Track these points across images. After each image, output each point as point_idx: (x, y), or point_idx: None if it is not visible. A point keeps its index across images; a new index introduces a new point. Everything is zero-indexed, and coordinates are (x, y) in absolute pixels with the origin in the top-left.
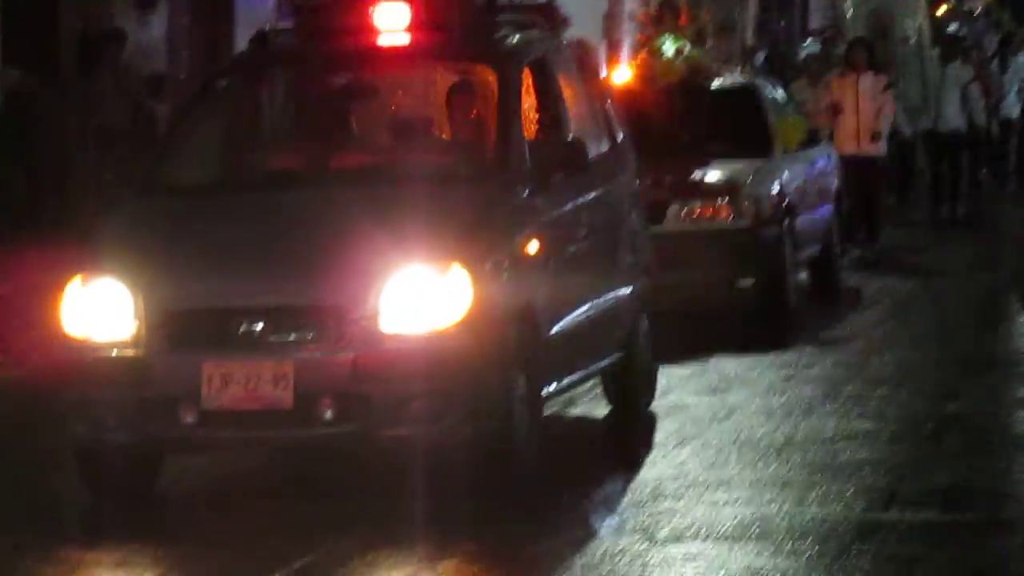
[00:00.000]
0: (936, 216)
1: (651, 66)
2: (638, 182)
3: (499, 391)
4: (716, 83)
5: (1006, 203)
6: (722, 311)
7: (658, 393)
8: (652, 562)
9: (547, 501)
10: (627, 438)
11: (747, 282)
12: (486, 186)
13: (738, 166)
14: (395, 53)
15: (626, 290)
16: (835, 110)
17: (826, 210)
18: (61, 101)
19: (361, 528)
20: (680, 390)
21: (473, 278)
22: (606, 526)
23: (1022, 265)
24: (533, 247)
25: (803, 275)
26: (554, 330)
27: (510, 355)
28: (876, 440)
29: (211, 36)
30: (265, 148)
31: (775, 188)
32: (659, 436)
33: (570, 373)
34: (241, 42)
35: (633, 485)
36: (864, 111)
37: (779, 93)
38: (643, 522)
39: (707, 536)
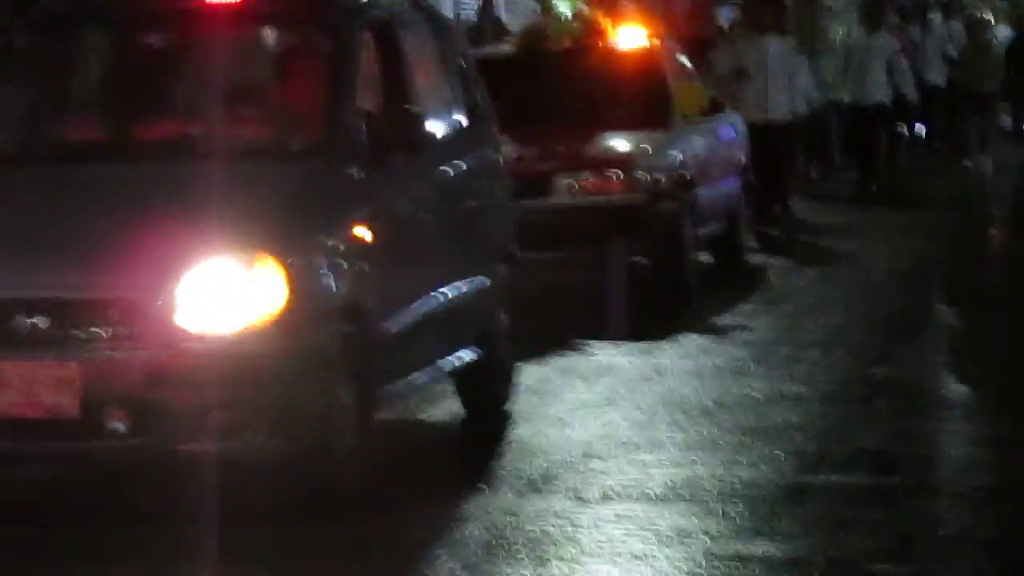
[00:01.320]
0: (858, 189)
1: (545, 28)
2: (501, 159)
3: (317, 400)
4: (613, 47)
5: (926, 175)
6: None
7: (587, 353)
8: (581, 522)
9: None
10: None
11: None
12: (311, 164)
13: (633, 135)
14: (218, 11)
15: (483, 280)
16: (740, 75)
17: (731, 184)
18: None
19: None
20: (608, 350)
21: (287, 270)
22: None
23: (948, 246)
24: (364, 233)
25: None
26: (390, 328)
27: (332, 358)
28: (805, 403)
29: None
30: (66, 116)
31: (673, 159)
32: (589, 396)
33: (411, 375)
34: None
35: (562, 445)
36: (774, 77)
37: (683, 58)
38: (572, 482)
39: (636, 497)
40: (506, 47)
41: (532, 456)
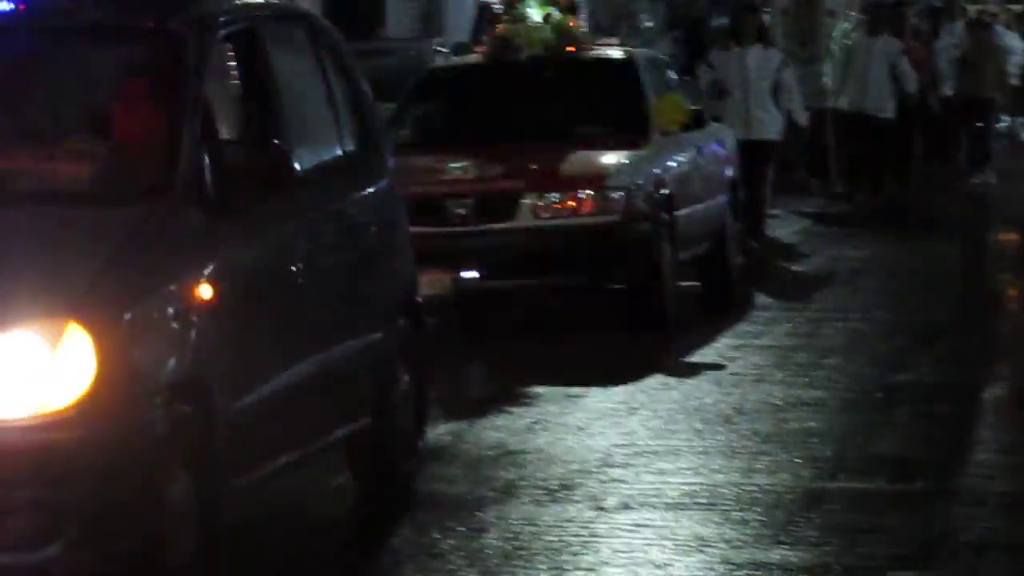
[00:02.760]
0: (854, 205)
1: (512, 35)
2: (397, 193)
3: (142, 498)
4: (587, 55)
5: (937, 192)
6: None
7: (605, 363)
8: (600, 531)
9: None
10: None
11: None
12: (139, 209)
13: (606, 151)
14: (26, 21)
15: (375, 336)
16: (718, 90)
17: (718, 203)
18: None
19: None
20: (624, 358)
21: (100, 342)
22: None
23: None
24: (207, 292)
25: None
26: (243, 403)
27: (163, 445)
28: (824, 409)
29: None
30: None
31: (650, 177)
32: (608, 405)
33: (273, 458)
34: None
35: (582, 453)
36: (755, 92)
37: (667, 70)
38: (591, 490)
39: (655, 505)
40: (472, 56)
41: (551, 464)
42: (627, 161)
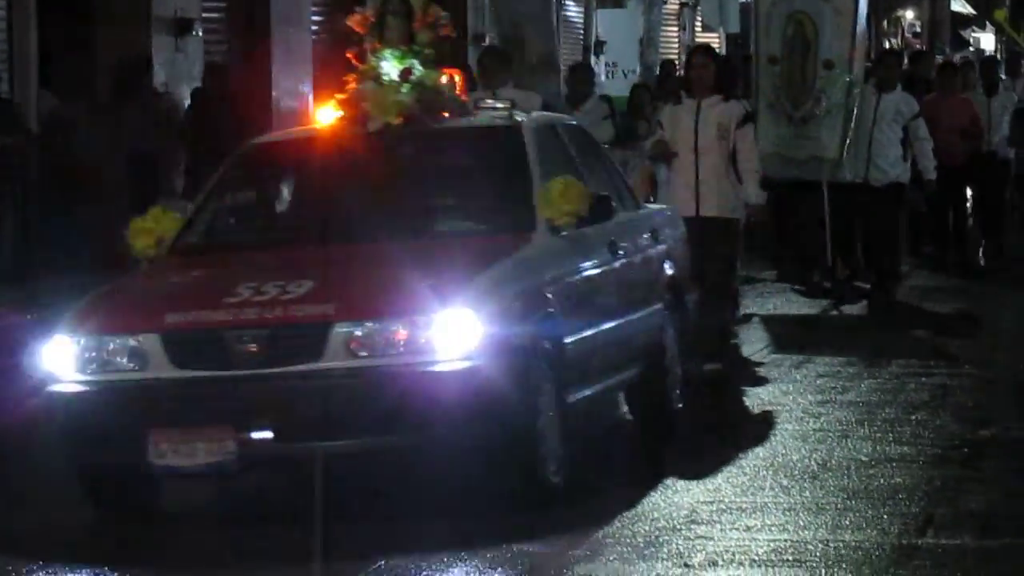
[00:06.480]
0: (840, 304)
1: (364, 99)
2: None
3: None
4: (455, 125)
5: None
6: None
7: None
8: None
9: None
10: None
11: None
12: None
13: (464, 257)
14: None
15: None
16: (664, 155)
17: (648, 315)
18: (98, 128)
19: None
20: (708, 413)
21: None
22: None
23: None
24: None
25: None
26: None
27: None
28: (912, 464)
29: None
30: None
31: (524, 292)
32: (692, 460)
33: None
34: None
35: (668, 510)
36: (705, 157)
37: (580, 139)
38: (678, 547)
39: (742, 562)
40: (307, 128)
41: (637, 521)
42: (491, 271)
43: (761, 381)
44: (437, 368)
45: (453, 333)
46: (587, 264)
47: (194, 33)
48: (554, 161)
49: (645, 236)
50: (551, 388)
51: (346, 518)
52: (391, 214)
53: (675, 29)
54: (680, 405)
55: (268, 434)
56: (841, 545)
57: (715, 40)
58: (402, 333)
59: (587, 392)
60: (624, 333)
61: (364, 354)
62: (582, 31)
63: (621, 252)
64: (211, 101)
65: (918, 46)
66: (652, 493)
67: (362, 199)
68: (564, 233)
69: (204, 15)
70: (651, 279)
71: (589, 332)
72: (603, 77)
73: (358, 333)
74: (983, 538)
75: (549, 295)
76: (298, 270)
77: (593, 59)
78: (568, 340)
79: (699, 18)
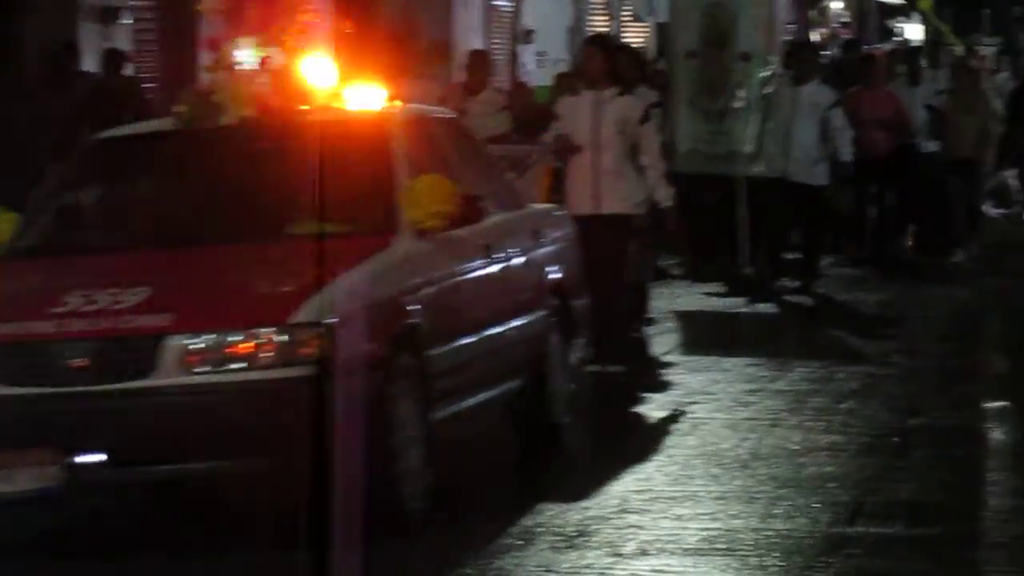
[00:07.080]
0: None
1: (212, 90)
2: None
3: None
4: (316, 116)
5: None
6: None
7: (621, 404)
8: None
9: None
10: None
11: None
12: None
13: (309, 262)
14: None
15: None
16: (562, 150)
17: (529, 323)
18: (26, 116)
19: None
20: (643, 404)
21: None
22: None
23: None
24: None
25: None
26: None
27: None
28: (842, 453)
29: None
30: None
31: (384, 299)
32: (624, 450)
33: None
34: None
35: (599, 499)
36: (607, 152)
37: (452, 131)
38: (609, 536)
39: (673, 551)
40: (156, 122)
41: (568, 511)
42: (344, 278)
43: (682, 374)
44: (280, 385)
45: (299, 346)
46: (457, 269)
47: (121, 21)
48: (424, 158)
49: (526, 238)
50: (411, 404)
51: (189, 549)
52: (242, 215)
53: (605, 18)
54: (567, 419)
55: (99, 457)
56: (772, 534)
57: (645, 30)
58: (243, 347)
59: (457, 407)
60: (500, 343)
61: (201, 369)
62: (511, 20)
63: (497, 256)
64: (110, 88)
65: (846, 36)
66: (582, 483)
67: (212, 198)
68: (431, 236)
69: (131, 3)
70: (533, 284)
71: (458, 343)
72: (532, 66)
73: (194, 346)
74: (912, 527)
75: (410, 304)
76: (137, 276)
77: (521, 48)
78: (432, 352)
79: (628, 7)
